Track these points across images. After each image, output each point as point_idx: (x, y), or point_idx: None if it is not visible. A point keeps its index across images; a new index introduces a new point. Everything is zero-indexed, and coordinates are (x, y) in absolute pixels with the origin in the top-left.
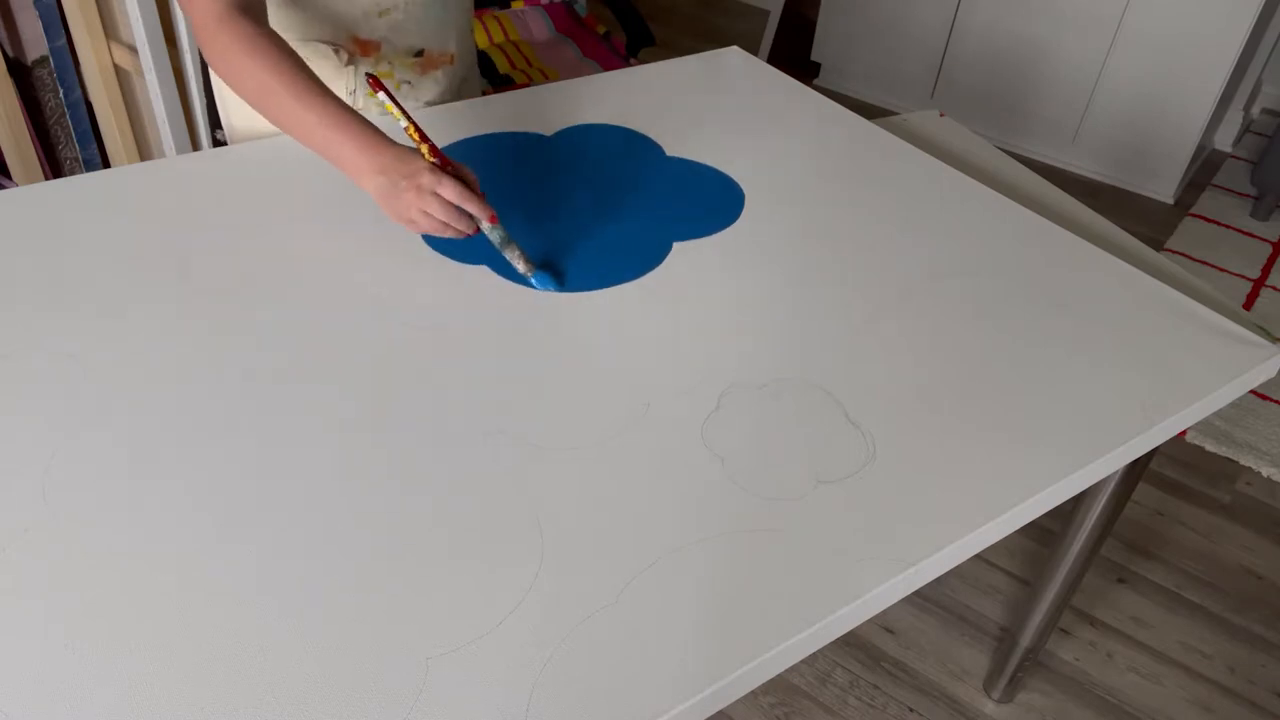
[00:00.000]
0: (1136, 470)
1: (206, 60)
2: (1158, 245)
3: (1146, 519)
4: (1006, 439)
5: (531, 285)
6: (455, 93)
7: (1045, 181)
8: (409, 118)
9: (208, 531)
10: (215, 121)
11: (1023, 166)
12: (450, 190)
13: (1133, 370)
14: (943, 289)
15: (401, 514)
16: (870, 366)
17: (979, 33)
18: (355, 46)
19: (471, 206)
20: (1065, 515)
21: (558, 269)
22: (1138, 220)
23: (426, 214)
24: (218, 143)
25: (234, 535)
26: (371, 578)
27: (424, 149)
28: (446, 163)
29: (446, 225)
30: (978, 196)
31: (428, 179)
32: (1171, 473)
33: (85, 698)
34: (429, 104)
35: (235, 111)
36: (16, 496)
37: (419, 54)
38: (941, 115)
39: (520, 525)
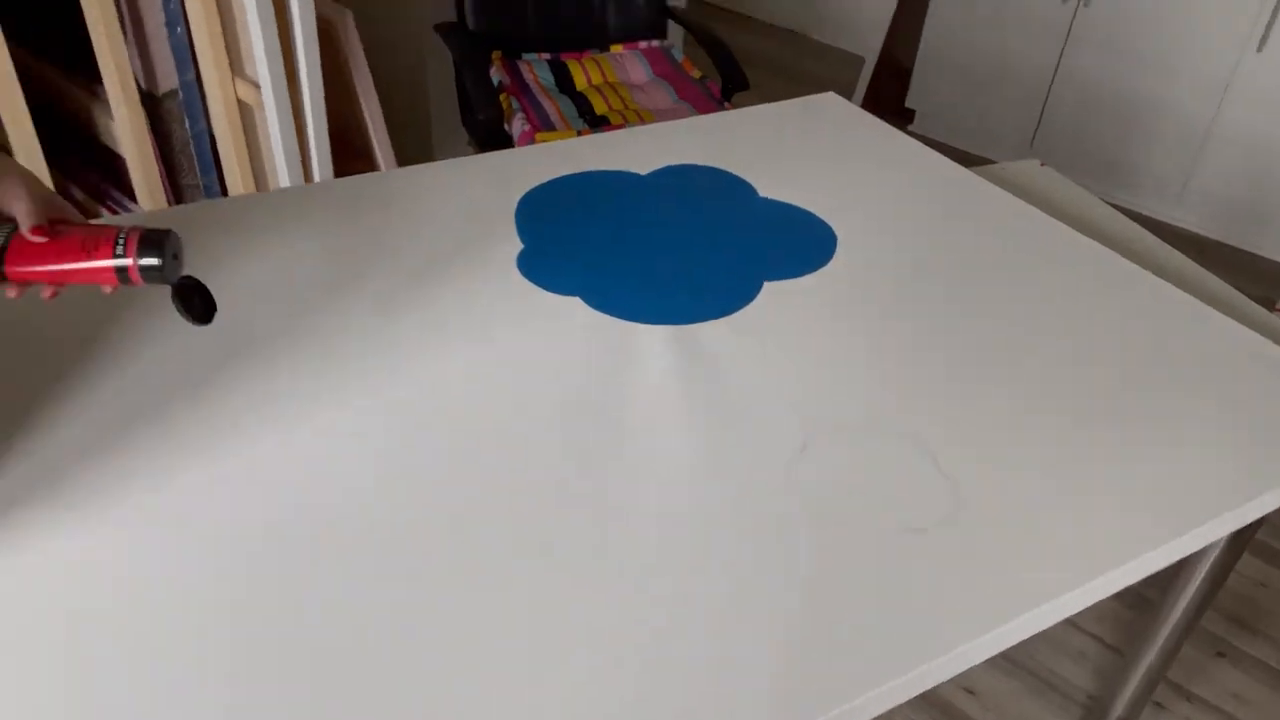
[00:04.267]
0: (1241, 540)
1: None
2: (1270, 305)
3: (1250, 591)
4: (1103, 500)
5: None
6: None
7: (1151, 236)
8: None
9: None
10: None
11: (1128, 220)
12: None
13: (1240, 434)
14: (1041, 342)
15: (481, 528)
16: (962, 417)
17: (1083, 82)
18: None
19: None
20: (1164, 582)
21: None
22: (1248, 279)
23: None
24: None
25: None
26: (446, 597)
27: None
28: None
29: None
30: (1079, 249)
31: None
32: (1278, 544)
33: None
34: None
35: None
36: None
37: None
38: (1042, 165)
39: (601, 552)
